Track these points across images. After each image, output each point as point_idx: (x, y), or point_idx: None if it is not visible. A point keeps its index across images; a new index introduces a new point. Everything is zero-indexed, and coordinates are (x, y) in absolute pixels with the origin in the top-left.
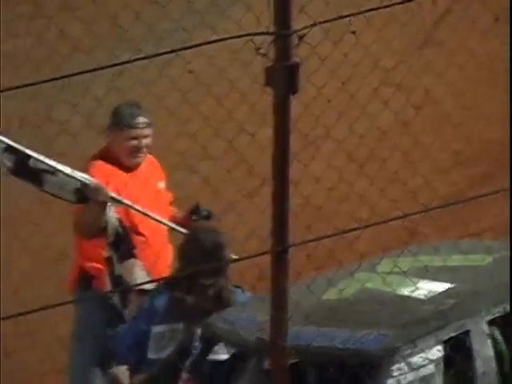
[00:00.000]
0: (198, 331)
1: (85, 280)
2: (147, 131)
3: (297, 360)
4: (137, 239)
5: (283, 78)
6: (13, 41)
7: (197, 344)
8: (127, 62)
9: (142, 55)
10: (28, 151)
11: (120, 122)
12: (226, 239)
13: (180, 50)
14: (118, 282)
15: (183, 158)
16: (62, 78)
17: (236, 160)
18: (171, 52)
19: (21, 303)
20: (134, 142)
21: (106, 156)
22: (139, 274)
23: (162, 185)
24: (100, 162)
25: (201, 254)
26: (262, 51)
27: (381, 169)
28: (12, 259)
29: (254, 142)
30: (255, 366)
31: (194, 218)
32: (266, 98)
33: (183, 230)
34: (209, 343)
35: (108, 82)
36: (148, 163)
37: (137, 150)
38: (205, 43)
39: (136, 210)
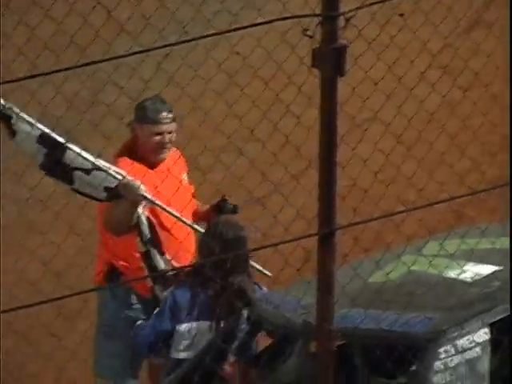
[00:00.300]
0: (245, 314)
1: (113, 276)
2: (171, 126)
3: (343, 342)
4: (161, 233)
5: (330, 60)
6: (55, 25)
7: (243, 326)
8: (174, 44)
9: (188, 37)
10: (61, 140)
11: (145, 117)
12: (247, 233)
13: (227, 32)
14: (160, 275)
15: (230, 140)
16: (108, 59)
17: (282, 142)
18: (218, 34)
19: (66, 286)
20: (159, 138)
21: (131, 151)
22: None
23: (185, 177)
24: (126, 159)
25: (221, 247)
26: (308, 33)
27: (428, 151)
28: (58, 242)
29: (301, 123)
30: (301, 348)
31: (218, 213)
32: (312, 80)
33: (203, 230)
34: (255, 325)
35: (155, 63)
36: (171, 156)
37: (161, 146)
38: (252, 25)
39: (165, 209)
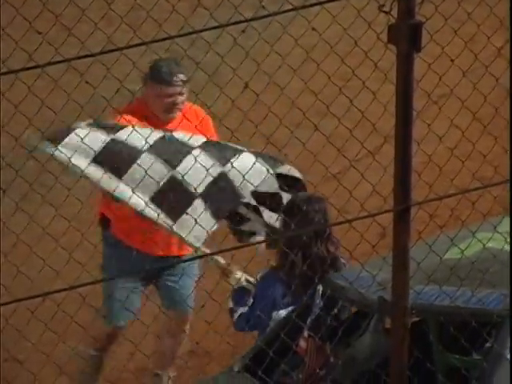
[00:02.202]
0: (320, 289)
1: (104, 222)
2: (184, 89)
3: (418, 319)
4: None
5: (406, 36)
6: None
7: (318, 301)
8: (250, 20)
9: (265, 13)
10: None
11: (158, 77)
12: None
13: (303, 7)
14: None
15: (306, 115)
16: (185, 34)
17: (358, 118)
18: (294, 10)
19: None
20: (170, 100)
21: (139, 108)
22: None
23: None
24: (129, 117)
25: (305, 223)
26: (385, 9)
27: (505, 128)
28: None
29: (377, 99)
30: (376, 324)
31: None
32: (388, 56)
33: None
34: (330, 301)
35: (231, 39)
36: (187, 117)
37: (171, 107)
38: (328, 1)
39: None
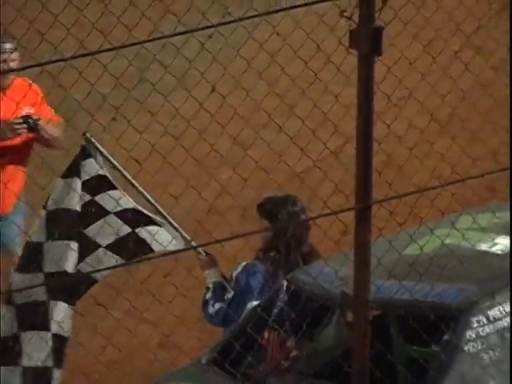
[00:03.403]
0: (284, 284)
1: None
2: (13, 55)
3: (379, 313)
4: None
5: (367, 40)
6: (103, 6)
7: (282, 296)
8: (217, 26)
9: (231, 19)
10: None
11: None
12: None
13: (267, 13)
14: None
15: (271, 117)
16: (154, 39)
17: (321, 119)
18: (259, 16)
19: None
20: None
21: None
22: None
23: (30, 110)
24: None
25: (298, 225)
26: (346, 14)
27: (461, 128)
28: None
29: (339, 102)
30: (338, 318)
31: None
32: (350, 60)
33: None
34: (294, 296)
35: (199, 44)
36: (16, 88)
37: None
38: (291, 7)
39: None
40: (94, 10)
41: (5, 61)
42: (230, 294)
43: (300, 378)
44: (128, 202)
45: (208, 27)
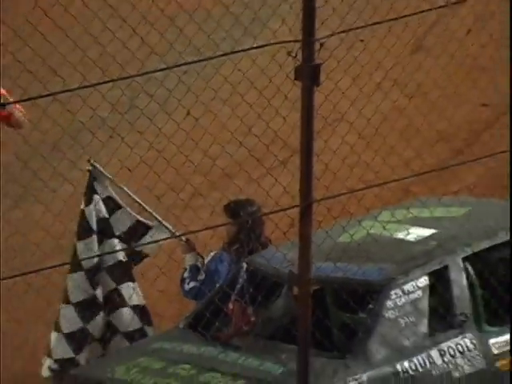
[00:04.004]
0: (244, 266)
1: None
2: None
3: (318, 287)
4: None
5: (308, 75)
6: (102, 48)
7: (242, 274)
8: (190, 63)
9: (202, 58)
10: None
11: None
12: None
13: (230, 53)
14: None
15: (233, 134)
16: (142, 74)
17: (273, 137)
18: (224, 55)
19: None
20: None
21: None
22: None
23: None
24: None
25: (254, 220)
26: (292, 54)
27: (383, 144)
28: None
29: (287, 123)
30: (286, 292)
31: None
32: (295, 90)
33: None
34: (252, 275)
35: (177, 78)
36: None
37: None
38: (250, 48)
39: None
40: (96, 52)
41: None
42: (202, 276)
43: (257, 339)
44: (130, 219)
45: (183, 64)
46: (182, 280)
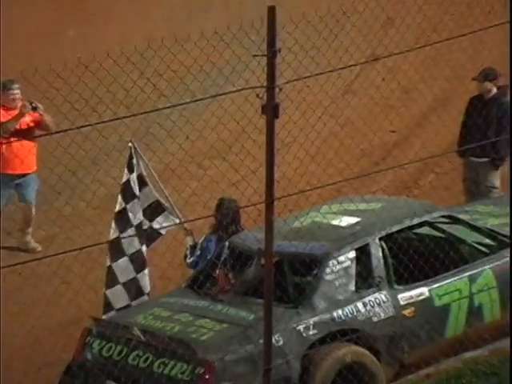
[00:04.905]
0: (227, 244)
1: None
2: (18, 92)
3: (278, 259)
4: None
5: (271, 110)
6: (123, 92)
7: (226, 250)
8: (188, 103)
9: (195, 99)
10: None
11: (5, 87)
12: (237, 203)
13: (216, 96)
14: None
15: (219, 152)
16: (154, 110)
17: (247, 153)
18: (211, 97)
19: None
20: (11, 97)
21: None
22: None
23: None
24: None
25: (233, 212)
26: (260, 96)
27: (323, 158)
28: None
29: (256, 143)
30: (257, 262)
31: (30, 104)
32: (262, 121)
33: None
34: (232, 250)
35: (178, 112)
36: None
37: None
38: (230, 92)
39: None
40: (121, 94)
41: (14, 99)
42: (198, 252)
43: (236, 295)
44: (153, 196)
45: (184, 103)
46: (185, 256)
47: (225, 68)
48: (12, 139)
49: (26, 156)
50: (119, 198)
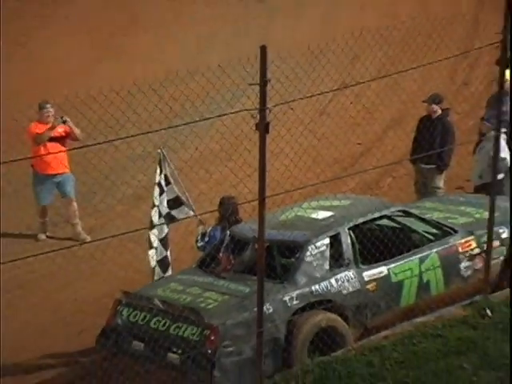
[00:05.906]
0: (228, 233)
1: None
2: (51, 112)
3: (268, 244)
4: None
5: (262, 128)
6: (146, 113)
7: (227, 237)
8: (197, 121)
9: (203, 118)
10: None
11: (42, 108)
12: (236, 199)
13: (218, 116)
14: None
15: (220, 160)
16: (169, 128)
17: (243, 161)
18: (217, 116)
19: None
20: (46, 115)
21: (38, 124)
22: None
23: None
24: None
25: (233, 208)
26: (254, 116)
27: (303, 165)
28: None
29: (251, 153)
30: (252, 246)
31: (61, 119)
32: (256, 136)
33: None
34: (232, 237)
35: (190, 129)
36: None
37: (47, 117)
38: (230, 113)
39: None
40: (129, 126)
41: (48, 116)
42: (206, 239)
43: (235, 273)
44: (174, 192)
45: (193, 122)
46: (196, 241)
47: (226, 94)
48: (48, 144)
49: (63, 158)
50: (155, 193)
